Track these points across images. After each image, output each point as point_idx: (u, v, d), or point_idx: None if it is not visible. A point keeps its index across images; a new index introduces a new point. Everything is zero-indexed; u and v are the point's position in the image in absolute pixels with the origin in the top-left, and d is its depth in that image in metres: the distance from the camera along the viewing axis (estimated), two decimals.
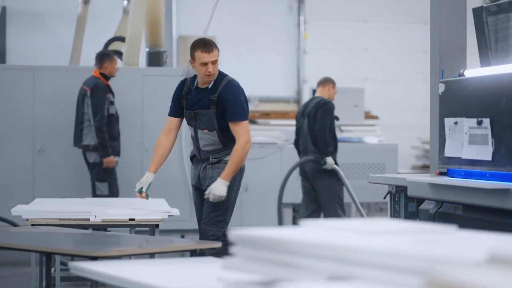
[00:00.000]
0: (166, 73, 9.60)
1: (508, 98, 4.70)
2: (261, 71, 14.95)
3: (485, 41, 5.61)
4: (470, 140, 5.04)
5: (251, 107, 12.96)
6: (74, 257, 5.86)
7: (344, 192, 8.52)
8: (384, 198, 5.73)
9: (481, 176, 4.96)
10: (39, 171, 9.21)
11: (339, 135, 9.96)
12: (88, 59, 11.78)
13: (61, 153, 9.24)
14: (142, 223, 5.40)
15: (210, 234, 5.68)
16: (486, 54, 5.63)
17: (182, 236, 9.40)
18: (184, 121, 5.94)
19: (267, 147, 10.16)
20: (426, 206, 5.24)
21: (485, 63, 5.62)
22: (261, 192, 9.89)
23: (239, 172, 5.80)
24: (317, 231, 2.23)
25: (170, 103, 5.97)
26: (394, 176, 6.05)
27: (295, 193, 9.44)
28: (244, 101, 5.78)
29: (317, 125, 8.36)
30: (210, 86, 5.75)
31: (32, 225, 5.26)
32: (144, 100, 9.44)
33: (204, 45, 5.71)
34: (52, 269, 5.79)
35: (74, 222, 5.32)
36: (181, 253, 6.27)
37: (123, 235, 4.94)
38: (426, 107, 6.65)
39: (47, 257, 4.86)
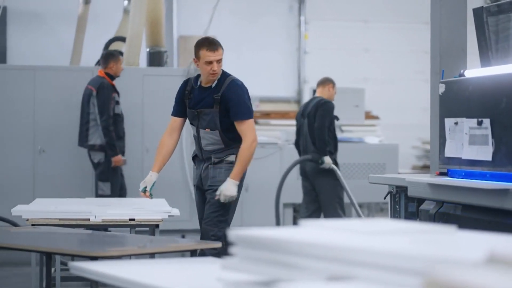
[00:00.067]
0: (166, 73, 9.60)
1: (508, 98, 4.70)
2: (262, 71, 14.94)
3: (485, 41, 5.61)
4: (470, 141, 5.04)
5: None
6: (74, 257, 5.87)
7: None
8: (385, 198, 5.73)
9: (481, 177, 4.95)
10: (39, 171, 9.21)
11: (339, 135, 9.96)
12: (88, 59, 11.79)
13: (62, 153, 9.24)
14: (143, 223, 5.40)
15: (211, 234, 5.68)
16: (486, 54, 5.63)
17: (183, 236, 9.40)
18: (186, 120, 5.95)
19: (267, 147, 10.16)
20: (427, 206, 5.24)
21: (485, 64, 5.62)
22: (261, 192, 9.89)
23: None
24: (317, 231, 2.23)
25: (170, 103, 5.97)
26: (394, 177, 6.05)
27: (295, 193, 9.43)
28: (248, 100, 5.79)
29: (316, 124, 8.37)
30: (213, 85, 5.76)
31: (32, 225, 5.26)
32: (144, 100, 9.45)
33: (209, 43, 5.75)
34: (52, 269, 5.80)
35: (74, 222, 5.33)
36: (181, 253, 6.26)
37: (123, 235, 4.94)
38: (427, 107, 6.64)
39: (47, 257, 4.86)
